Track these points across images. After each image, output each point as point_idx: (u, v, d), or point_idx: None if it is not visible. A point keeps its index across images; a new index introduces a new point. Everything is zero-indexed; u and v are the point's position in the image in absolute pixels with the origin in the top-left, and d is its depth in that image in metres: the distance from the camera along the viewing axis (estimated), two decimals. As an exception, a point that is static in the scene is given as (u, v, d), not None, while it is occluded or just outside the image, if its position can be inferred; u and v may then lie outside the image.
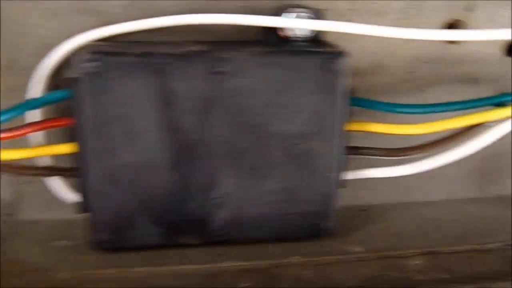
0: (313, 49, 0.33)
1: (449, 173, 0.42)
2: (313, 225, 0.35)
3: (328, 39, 0.35)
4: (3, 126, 0.32)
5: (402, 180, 0.40)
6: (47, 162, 0.35)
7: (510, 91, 0.37)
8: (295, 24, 0.33)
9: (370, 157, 0.37)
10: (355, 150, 0.36)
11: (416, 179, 0.39)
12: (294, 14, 0.33)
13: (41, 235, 0.37)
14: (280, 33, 0.33)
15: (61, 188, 0.36)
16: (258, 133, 0.33)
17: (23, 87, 0.34)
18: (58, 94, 0.33)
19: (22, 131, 0.32)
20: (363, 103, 0.36)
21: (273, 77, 0.32)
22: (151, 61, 0.31)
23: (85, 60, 0.30)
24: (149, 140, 0.32)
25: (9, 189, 0.38)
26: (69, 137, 0.36)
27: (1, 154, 0.32)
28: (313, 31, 0.33)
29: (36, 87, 0.34)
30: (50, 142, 0.35)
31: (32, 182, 0.37)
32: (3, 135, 0.32)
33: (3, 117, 0.32)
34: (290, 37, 0.33)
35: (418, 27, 0.34)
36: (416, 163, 0.37)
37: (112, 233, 0.34)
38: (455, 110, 0.36)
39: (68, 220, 0.37)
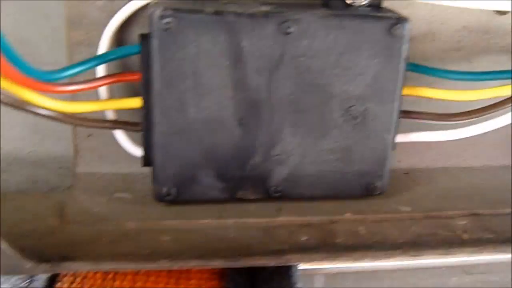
0: (378, 14, 0.34)
1: (485, 140, 0.43)
2: (367, 184, 0.37)
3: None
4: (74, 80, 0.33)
5: (442, 146, 0.42)
6: (110, 116, 0.36)
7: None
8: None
9: (420, 121, 0.38)
10: (405, 113, 0.38)
11: (454, 145, 0.41)
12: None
13: (101, 187, 0.38)
14: (345, -3, 0.34)
15: (124, 142, 0.37)
16: (321, 94, 0.34)
17: (92, 42, 0.35)
18: (128, 49, 0.34)
19: (95, 84, 0.33)
20: (418, 69, 0.37)
21: (339, 40, 0.33)
22: (224, 19, 0.32)
23: (158, 17, 0.31)
24: (217, 96, 0.33)
25: (66, 142, 0.39)
26: (131, 92, 0.37)
27: (71, 107, 0.33)
28: (376, -3, 0.34)
29: (106, 42, 0.35)
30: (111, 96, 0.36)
31: (90, 136, 0.38)
32: (76, 87, 0.33)
33: (73, 71, 0.32)
34: (354, 2, 0.34)
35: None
36: (464, 128, 0.38)
37: (175, 186, 0.35)
38: (503, 79, 0.38)
39: (126, 173, 0.39)
